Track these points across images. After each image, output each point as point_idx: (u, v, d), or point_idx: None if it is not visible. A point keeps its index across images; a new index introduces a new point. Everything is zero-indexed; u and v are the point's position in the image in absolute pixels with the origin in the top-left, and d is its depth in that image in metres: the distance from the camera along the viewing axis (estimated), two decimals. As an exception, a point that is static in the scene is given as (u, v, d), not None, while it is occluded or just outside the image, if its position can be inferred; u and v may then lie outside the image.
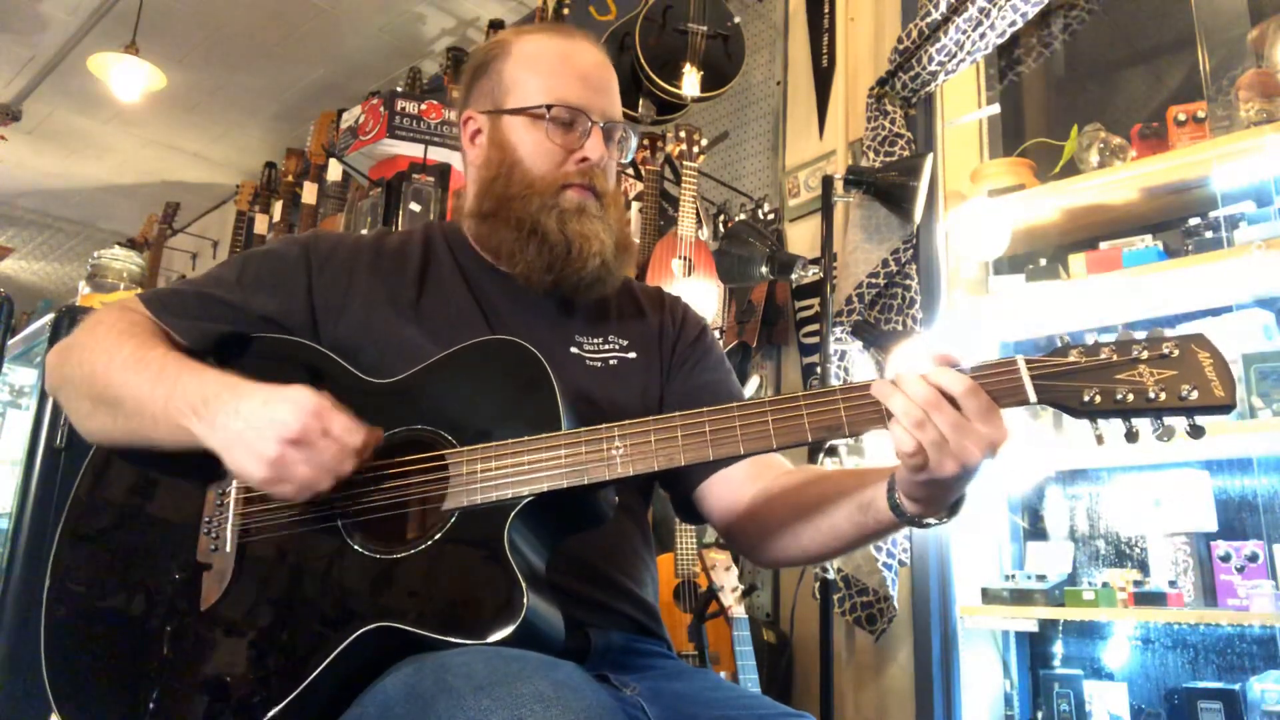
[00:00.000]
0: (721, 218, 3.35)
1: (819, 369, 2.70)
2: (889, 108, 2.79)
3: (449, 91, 3.81)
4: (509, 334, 1.09)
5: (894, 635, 2.59)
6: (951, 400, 0.90)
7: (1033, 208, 2.59)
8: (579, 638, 1.10)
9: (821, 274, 2.69)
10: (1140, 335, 0.91)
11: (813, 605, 2.57)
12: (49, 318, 2.66)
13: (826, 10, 3.39)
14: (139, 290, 3.40)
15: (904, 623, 2.57)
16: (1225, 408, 0.86)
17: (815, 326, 3.12)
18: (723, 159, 3.69)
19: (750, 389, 2.99)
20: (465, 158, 1.35)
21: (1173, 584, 2.22)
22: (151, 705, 1.00)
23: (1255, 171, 2.26)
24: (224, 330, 1.18)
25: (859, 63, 3.21)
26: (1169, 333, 0.90)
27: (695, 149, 3.03)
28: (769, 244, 2.92)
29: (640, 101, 3.24)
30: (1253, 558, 2.15)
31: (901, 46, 2.73)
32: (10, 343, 2.81)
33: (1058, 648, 2.57)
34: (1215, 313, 2.31)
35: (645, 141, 3.09)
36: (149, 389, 1.06)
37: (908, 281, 2.64)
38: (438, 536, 0.98)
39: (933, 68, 2.66)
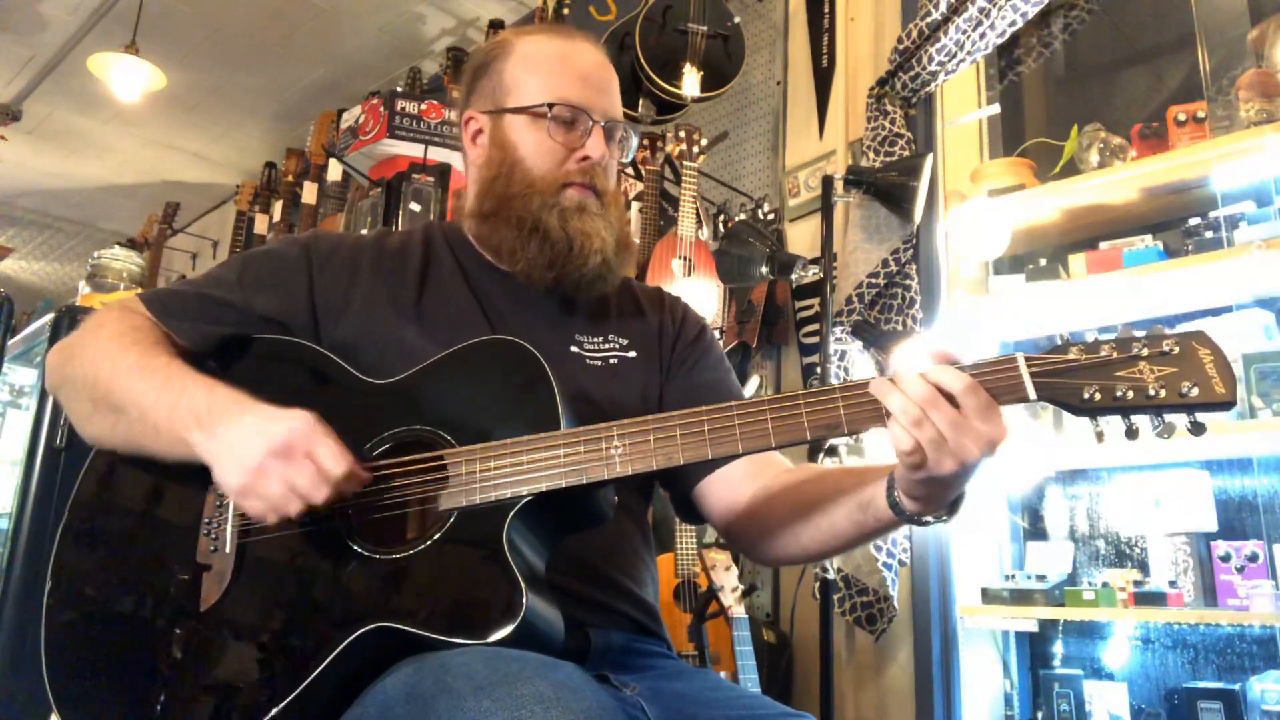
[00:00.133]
0: (721, 218, 3.35)
1: (819, 369, 2.70)
2: (889, 108, 2.79)
3: (449, 91, 3.81)
4: (509, 333, 1.09)
5: (894, 635, 2.59)
6: (950, 398, 0.90)
7: (1033, 208, 2.59)
8: (579, 638, 1.10)
9: (821, 274, 2.69)
10: (1140, 332, 0.90)
11: (813, 605, 2.57)
12: (49, 318, 2.66)
13: (826, 10, 3.39)
14: (139, 290, 3.41)
15: (904, 623, 2.57)
16: (1226, 404, 0.85)
17: (815, 326, 3.12)
18: (723, 159, 3.69)
19: (750, 389, 2.99)
20: (466, 157, 1.35)
21: (1173, 584, 2.22)
22: (151, 705, 0.99)
23: (1255, 171, 2.26)
24: (225, 332, 1.18)
25: (859, 63, 3.21)
26: (1169, 330, 0.90)
27: (695, 149, 3.03)
28: (769, 244, 2.92)
29: (640, 101, 3.24)
30: (1253, 558, 2.15)
31: (901, 46, 2.73)
32: (10, 343, 2.80)
33: (1058, 648, 2.57)
34: (1215, 313, 2.31)
35: (645, 141, 3.09)
36: (153, 398, 1.06)
37: (908, 281, 2.64)
38: (437, 537, 0.98)
39: (933, 68, 2.66)
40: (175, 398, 1.04)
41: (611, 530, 1.14)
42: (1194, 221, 2.35)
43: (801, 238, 3.29)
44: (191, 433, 1.02)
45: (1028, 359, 0.91)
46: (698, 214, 3.05)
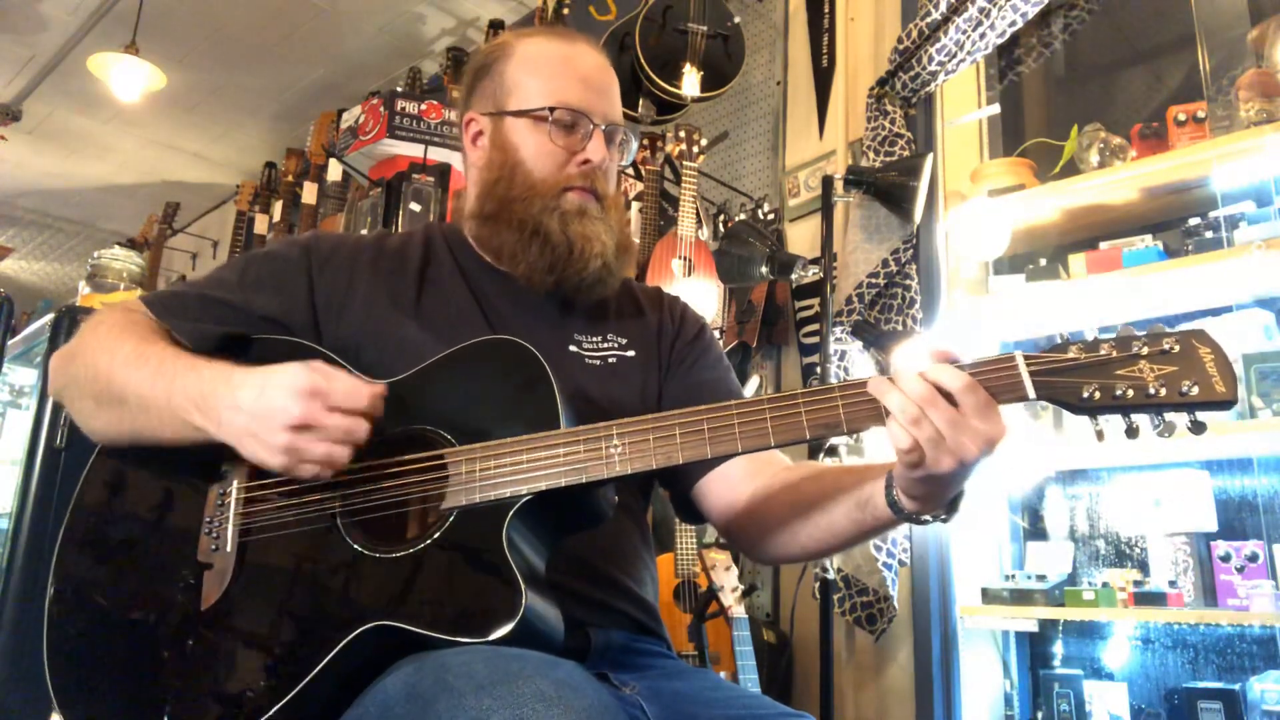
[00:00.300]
0: (721, 218, 3.35)
1: (819, 369, 2.70)
2: (889, 108, 2.79)
3: (449, 91, 3.81)
4: (509, 333, 1.09)
5: (894, 635, 2.59)
6: (949, 397, 0.90)
7: (1033, 208, 2.59)
8: (579, 637, 1.10)
9: (821, 274, 2.69)
10: (1140, 331, 0.90)
11: (813, 605, 2.57)
12: (49, 318, 2.66)
13: (826, 10, 3.39)
14: (139, 290, 3.41)
15: (904, 623, 2.57)
16: (1227, 403, 0.85)
17: (815, 326, 3.12)
18: (723, 159, 3.69)
19: (750, 389, 2.99)
20: (466, 159, 1.36)
21: (1173, 584, 2.22)
22: (152, 703, 1.00)
23: (1255, 171, 2.26)
24: (225, 332, 1.18)
25: (859, 63, 3.21)
26: (1169, 329, 0.89)
27: (695, 149, 3.03)
28: (769, 244, 2.92)
29: (640, 101, 3.24)
30: (1253, 558, 2.15)
31: (901, 46, 2.73)
32: (10, 343, 2.81)
33: (1058, 648, 2.57)
34: (1215, 313, 2.31)
35: (645, 141, 3.09)
36: (149, 385, 1.06)
37: (908, 281, 2.64)
38: (436, 536, 0.98)
39: (933, 68, 2.66)
40: (169, 384, 1.05)
41: (611, 529, 1.14)
42: (1194, 221, 2.35)
43: (801, 238, 3.29)
44: (195, 418, 1.03)
45: (1027, 358, 0.91)
46: (698, 214, 3.05)
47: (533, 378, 1.03)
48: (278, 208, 4.66)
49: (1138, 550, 2.46)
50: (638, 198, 3.19)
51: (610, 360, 1.28)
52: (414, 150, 3.39)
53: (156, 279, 5.16)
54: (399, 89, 3.98)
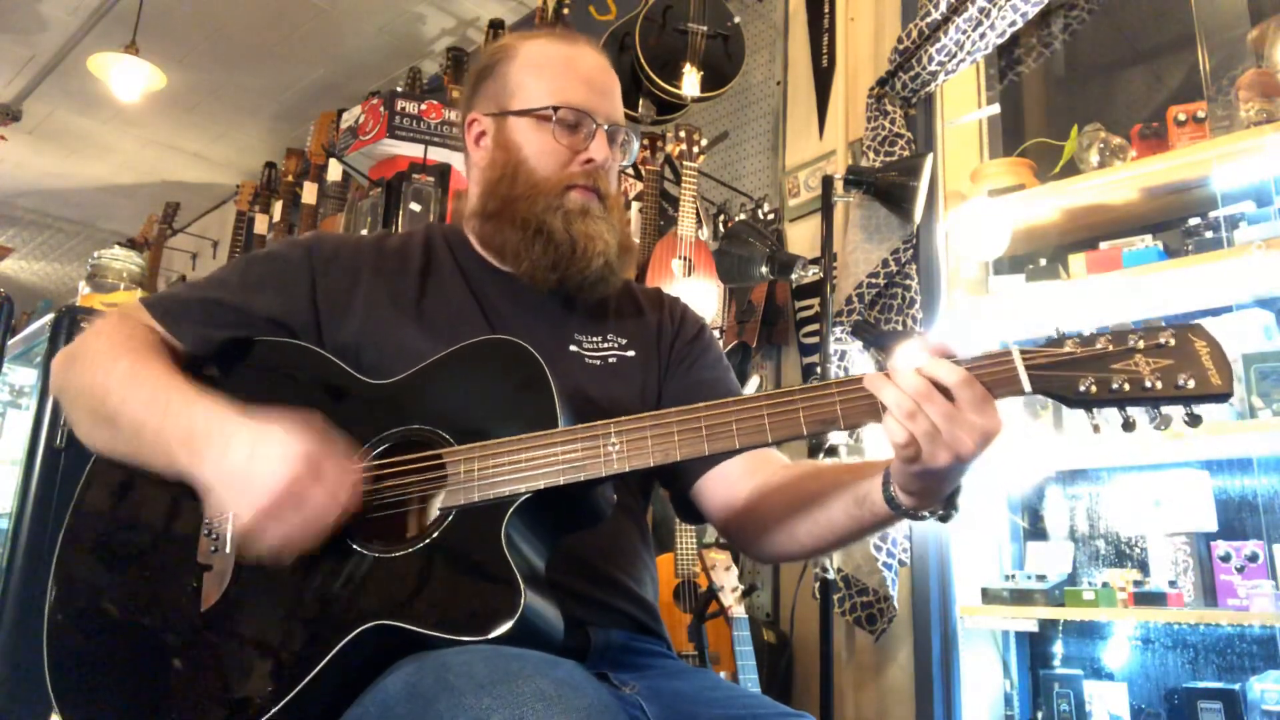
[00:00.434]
0: (721, 218, 3.35)
1: (819, 369, 2.70)
2: (889, 108, 2.79)
3: (449, 91, 3.81)
4: (509, 333, 1.10)
5: (894, 635, 2.59)
6: (945, 391, 0.90)
7: (1033, 208, 2.59)
8: (579, 636, 1.10)
9: (821, 274, 2.69)
10: (1137, 325, 0.90)
11: (813, 605, 2.57)
12: (49, 318, 2.66)
13: (826, 10, 3.39)
14: (139, 290, 3.41)
15: (904, 623, 2.57)
16: (1223, 396, 0.85)
17: (815, 326, 3.12)
18: (723, 159, 3.69)
19: (750, 389, 2.99)
20: (469, 159, 1.36)
21: (1173, 584, 2.22)
22: (152, 703, 1.00)
23: (1255, 171, 2.26)
24: (227, 336, 1.18)
25: (859, 63, 3.21)
26: (1165, 323, 0.89)
27: (695, 149, 3.03)
28: (769, 244, 2.92)
29: (640, 101, 3.24)
30: (1253, 558, 2.15)
31: (901, 46, 2.73)
32: (10, 343, 2.81)
33: (1058, 648, 2.57)
34: (1215, 313, 2.31)
35: (645, 141, 3.09)
36: (143, 414, 1.05)
37: (908, 281, 2.64)
38: (436, 535, 0.98)
39: (933, 68, 2.66)
40: (160, 419, 1.03)
41: (611, 529, 1.14)
42: (1194, 221, 2.35)
43: (801, 238, 3.29)
44: (178, 455, 1.01)
45: (1023, 352, 0.91)
46: (698, 214, 3.05)
47: (531, 377, 1.03)
48: (278, 208, 4.66)
49: (1138, 550, 2.46)
50: (638, 198, 3.19)
51: (610, 360, 1.28)
52: (414, 150, 3.39)
53: (156, 279, 5.16)
54: (399, 89, 3.98)
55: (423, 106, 3.45)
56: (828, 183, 2.74)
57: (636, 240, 2.98)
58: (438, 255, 1.32)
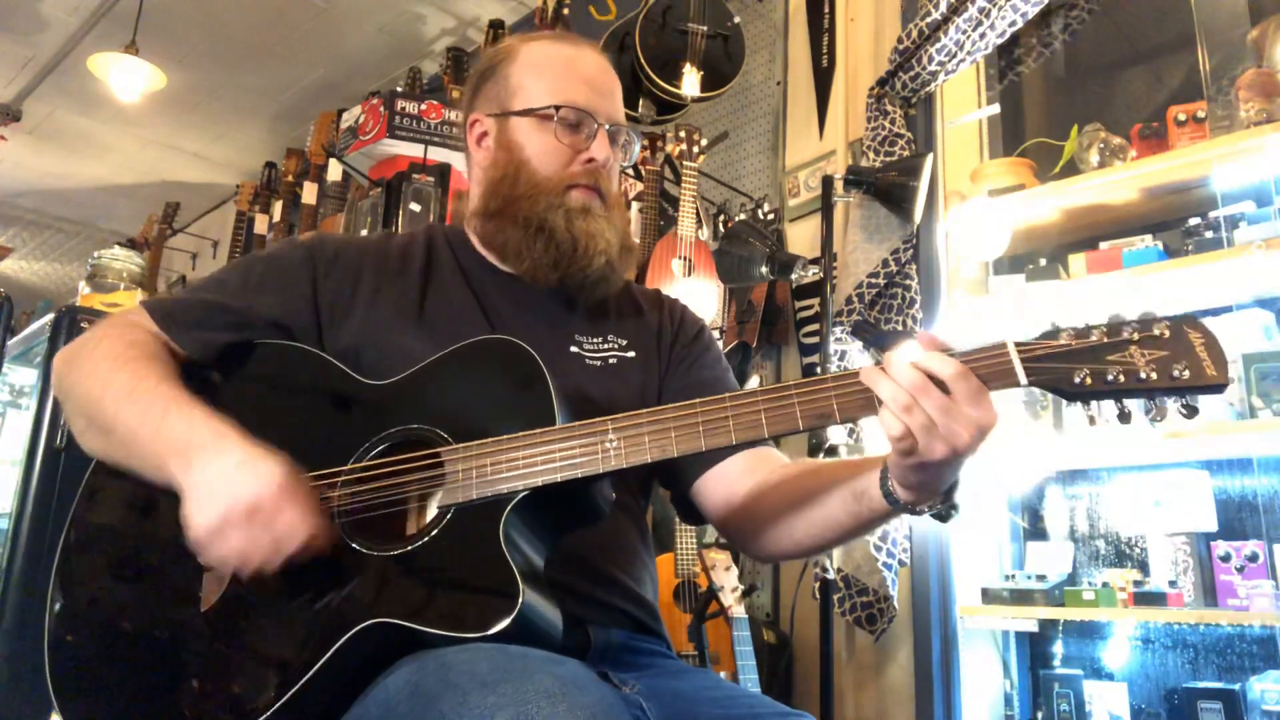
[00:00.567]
0: (721, 218, 3.35)
1: (819, 369, 2.70)
2: (889, 108, 2.79)
3: (449, 91, 3.81)
4: (510, 333, 1.10)
5: (894, 635, 2.59)
6: (941, 384, 0.90)
7: (1033, 208, 2.59)
8: (579, 635, 1.10)
9: (821, 274, 2.69)
10: (1131, 317, 0.90)
11: (813, 605, 2.57)
12: (49, 318, 2.66)
13: (826, 10, 3.38)
14: (139, 290, 3.41)
15: (904, 623, 2.57)
16: (1218, 387, 0.85)
17: (815, 326, 3.12)
18: (723, 159, 3.69)
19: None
20: (471, 160, 1.37)
21: (1173, 584, 2.22)
22: (152, 703, 1.00)
23: (1255, 171, 2.26)
24: (227, 339, 1.18)
25: (859, 63, 3.21)
26: (1160, 314, 0.89)
27: (695, 149, 3.03)
28: (769, 244, 2.92)
29: (640, 101, 3.24)
30: (1253, 558, 2.15)
31: (901, 46, 2.72)
32: (10, 343, 2.81)
33: (1058, 648, 2.57)
34: (1215, 313, 2.31)
35: (645, 141, 3.09)
36: (137, 423, 1.05)
37: (908, 281, 2.64)
38: (434, 533, 0.98)
39: (933, 68, 2.66)
40: (154, 430, 1.04)
41: (610, 528, 1.14)
42: (1194, 221, 2.35)
43: (801, 238, 3.29)
44: (169, 463, 1.01)
45: (1018, 345, 0.91)
46: (698, 214, 3.05)
47: (529, 376, 1.03)
48: (278, 208, 4.66)
49: (1138, 550, 2.46)
50: (638, 198, 3.19)
51: (610, 361, 1.28)
52: (414, 150, 3.39)
53: (156, 279, 5.16)
54: (399, 89, 3.99)
55: (423, 106, 3.45)
56: (828, 183, 2.74)
57: (637, 240, 2.98)
58: (439, 256, 1.32)
